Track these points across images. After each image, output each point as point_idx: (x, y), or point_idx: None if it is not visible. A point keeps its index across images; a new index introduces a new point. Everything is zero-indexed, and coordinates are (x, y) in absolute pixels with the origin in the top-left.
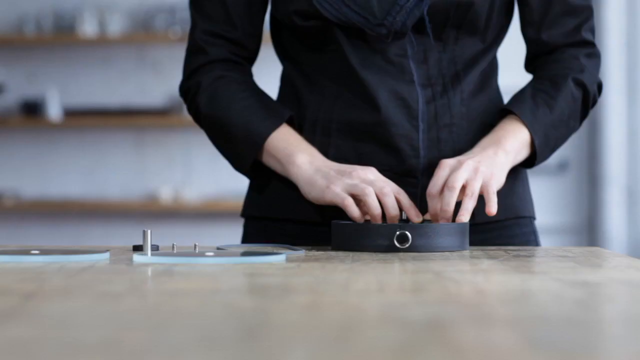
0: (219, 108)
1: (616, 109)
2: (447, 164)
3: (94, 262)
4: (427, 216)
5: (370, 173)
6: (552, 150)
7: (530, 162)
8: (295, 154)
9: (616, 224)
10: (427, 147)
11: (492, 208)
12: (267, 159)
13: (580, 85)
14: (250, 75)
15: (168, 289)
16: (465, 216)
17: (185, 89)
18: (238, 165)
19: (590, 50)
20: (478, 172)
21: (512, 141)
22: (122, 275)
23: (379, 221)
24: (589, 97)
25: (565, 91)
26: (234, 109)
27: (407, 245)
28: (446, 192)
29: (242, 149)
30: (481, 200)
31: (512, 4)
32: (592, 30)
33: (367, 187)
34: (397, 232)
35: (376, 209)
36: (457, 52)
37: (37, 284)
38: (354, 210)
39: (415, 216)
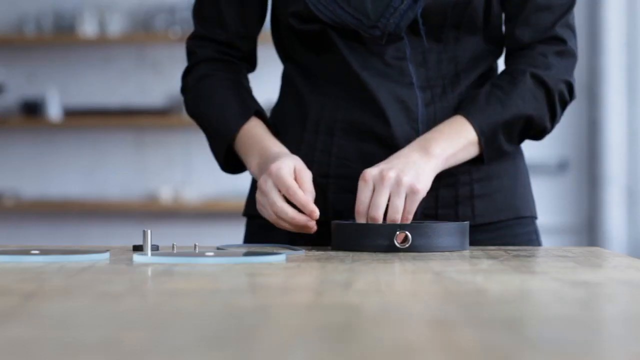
0: (198, 107)
1: (616, 109)
2: (369, 176)
3: (94, 262)
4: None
5: (270, 179)
6: (508, 145)
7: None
8: (248, 158)
9: (616, 224)
10: None
11: (406, 220)
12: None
13: (540, 82)
14: (240, 72)
15: (168, 289)
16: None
17: (181, 89)
18: (216, 160)
19: (562, 48)
20: (401, 185)
21: (442, 145)
22: (122, 275)
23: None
24: (552, 95)
25: (520, 87)
26: (209, 108)
27: (407, 245)
28: (370, 223)
29: (215, 146)
30: (482, 200)
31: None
32: (569, 26)
33: (268, 212)
34: (397, 232)
35: (281, 226)
36: (458, 52)
37: (37, 284)
38: (277, 224)
39: (311, 213)
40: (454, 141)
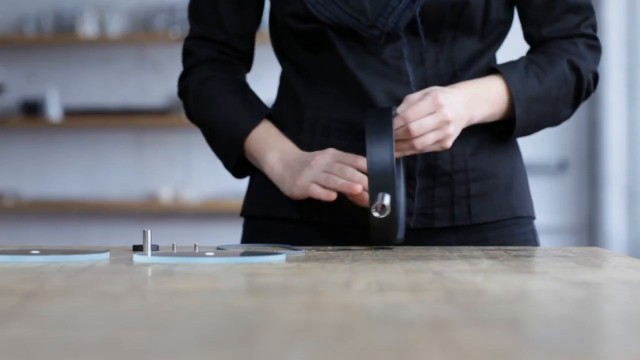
0: (204, 109)
1: (616, 109)
2: (435, 104)
3: (94, 262)
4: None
5: (328, 155)
6: (534, 126)
7: (506, 130)
8: (267, 153)
9: (616, 224)
10: None
11: (413, 150)
12: (249, 158)
13: (575, 69)
14: (239, 72)
15: (168, 289)
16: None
17: (179, 93)
18: (225, 164)
19: (591, 42)
20: (444, 130)
21: (483, 109)
22: (122, 275)
23: (348, 192)
24: (582, 83)
25: (557, 69)
26: (216, 110)
27: (384, 214)
28: (398, 120)
29: (225, 148)
30: (478, 200)
31: (511, 1)
32: (594, 27)
33: (326, 175)
34: (380, 194)
35: (339, 186)
36: (455, 53)
37: (37, 284)
38: (319, 192)
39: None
40: (491, 108)
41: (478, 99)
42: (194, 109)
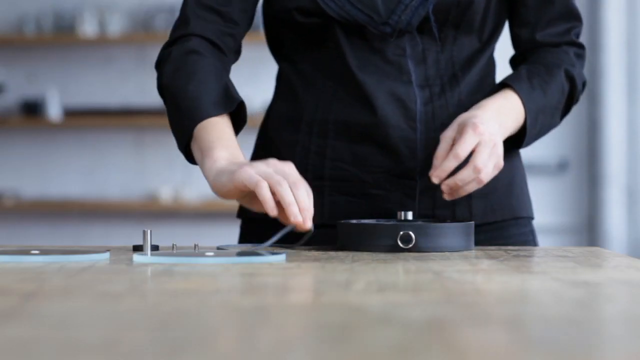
0: (177, 80)
1: (616, 109)
2: (477, 133)
3: (94, 262)
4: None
5: (287, 166)
6: (536, 136)
7: (515, 142)
8: (217, 148)
9: (616, 224)
10: (424, 149)
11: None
12: (192, 145)
13: (570, 78)
14: (225, 62)
15: (168, 289)
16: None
17: (157, 62)
18: (178, 143)
19: (580, 51)
20: (497, 153)
21: (512, 122)
22: (122, 275)
23: (290, 212)
24: (575, 92)
25: (557, 80)
26: (190, 85)
27: (410, 245)
28: (451, 159)
29: (183, 125)
30: (479, 201)
31: (505, 2)
32: (579, 36)
33: (282, 179)
34: (401, 233)
35: (289, 200)
36: (455, 53)
37: (37, 284)
38: (265, 193)
39: (308, 222)
40: (515, 120)
41: (503, 113)
42: (168, 78)
